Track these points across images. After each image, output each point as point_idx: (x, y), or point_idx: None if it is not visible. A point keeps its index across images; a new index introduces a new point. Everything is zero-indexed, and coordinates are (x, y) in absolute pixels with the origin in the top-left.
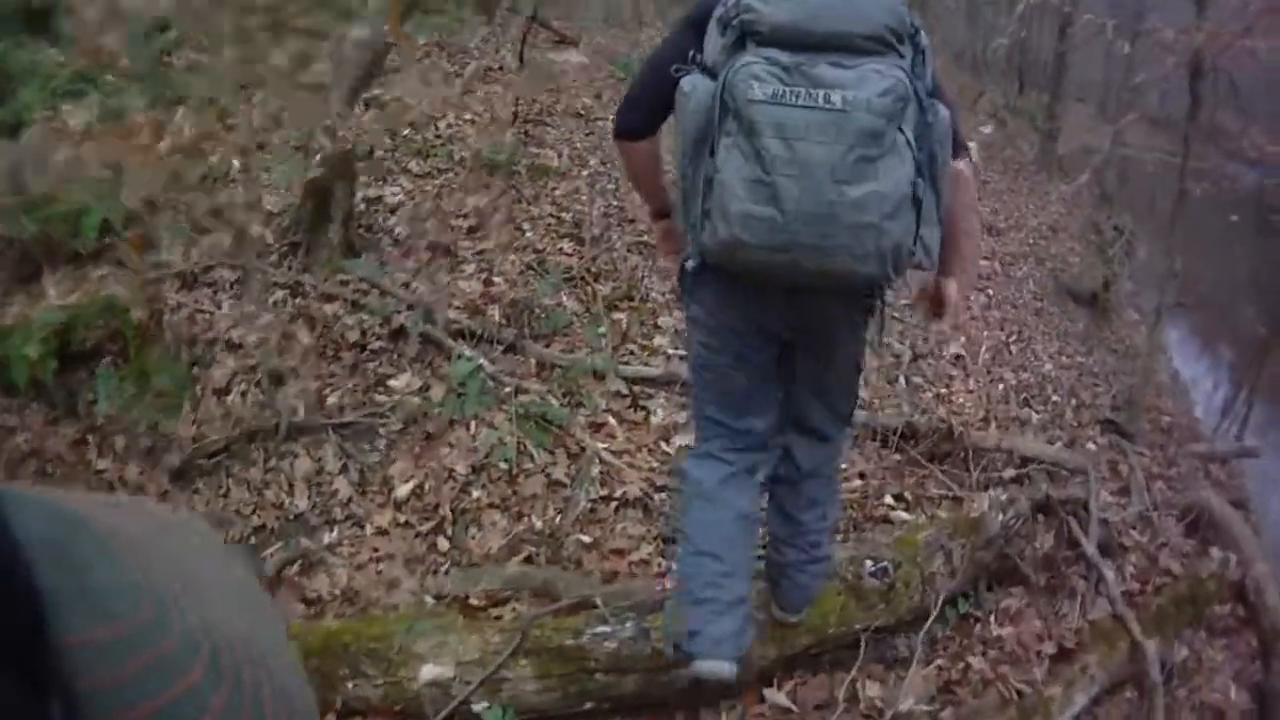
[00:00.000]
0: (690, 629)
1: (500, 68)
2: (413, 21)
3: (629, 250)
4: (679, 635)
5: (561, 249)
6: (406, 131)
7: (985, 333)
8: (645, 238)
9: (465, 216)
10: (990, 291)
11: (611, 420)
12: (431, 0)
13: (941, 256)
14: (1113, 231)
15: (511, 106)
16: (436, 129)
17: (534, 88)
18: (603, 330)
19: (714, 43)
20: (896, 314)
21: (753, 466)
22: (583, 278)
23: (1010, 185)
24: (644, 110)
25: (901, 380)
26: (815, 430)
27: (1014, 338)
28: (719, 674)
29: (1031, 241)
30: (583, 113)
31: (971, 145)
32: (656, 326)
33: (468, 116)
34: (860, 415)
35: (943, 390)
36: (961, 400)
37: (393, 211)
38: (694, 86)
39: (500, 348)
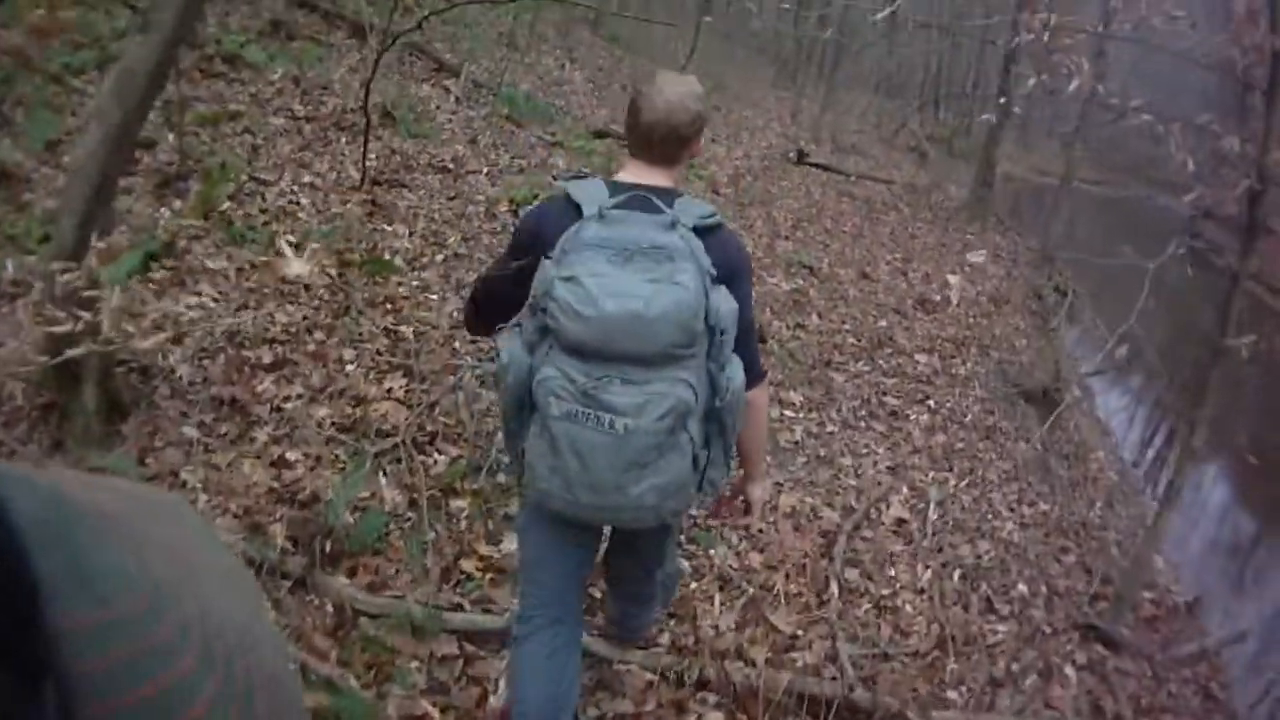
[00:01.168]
0: None
1: (358, 108)
2: (267, 50)
3: (482, 384)
4: None
5: (389, 392)
6: (226, 206)
7: (932, 474)
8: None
9: (271, 343)
10: (932, 403)
11: (430, 710)
12: (298, 25)
13: (742, 465)
14: (1054, 294)
15: (361, 163)
16: (264, 200)
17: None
18: (429, 539)
19: (537, 285)
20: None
21: (570, 621)
22: (412, 443)
23: (940, 240)
24: (484, 328)
25: (833, 586)
26: (631, 594)
27: (966, 481)
28: None
29: (972, 320)
30: (450, 166)
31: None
32: (507, 519)
33: (307, 179)
34: (782, 678)
35: (884, 594)
36: (910, 609)
37: (178, 340)
38: (511, 359)
39: (286, 584)
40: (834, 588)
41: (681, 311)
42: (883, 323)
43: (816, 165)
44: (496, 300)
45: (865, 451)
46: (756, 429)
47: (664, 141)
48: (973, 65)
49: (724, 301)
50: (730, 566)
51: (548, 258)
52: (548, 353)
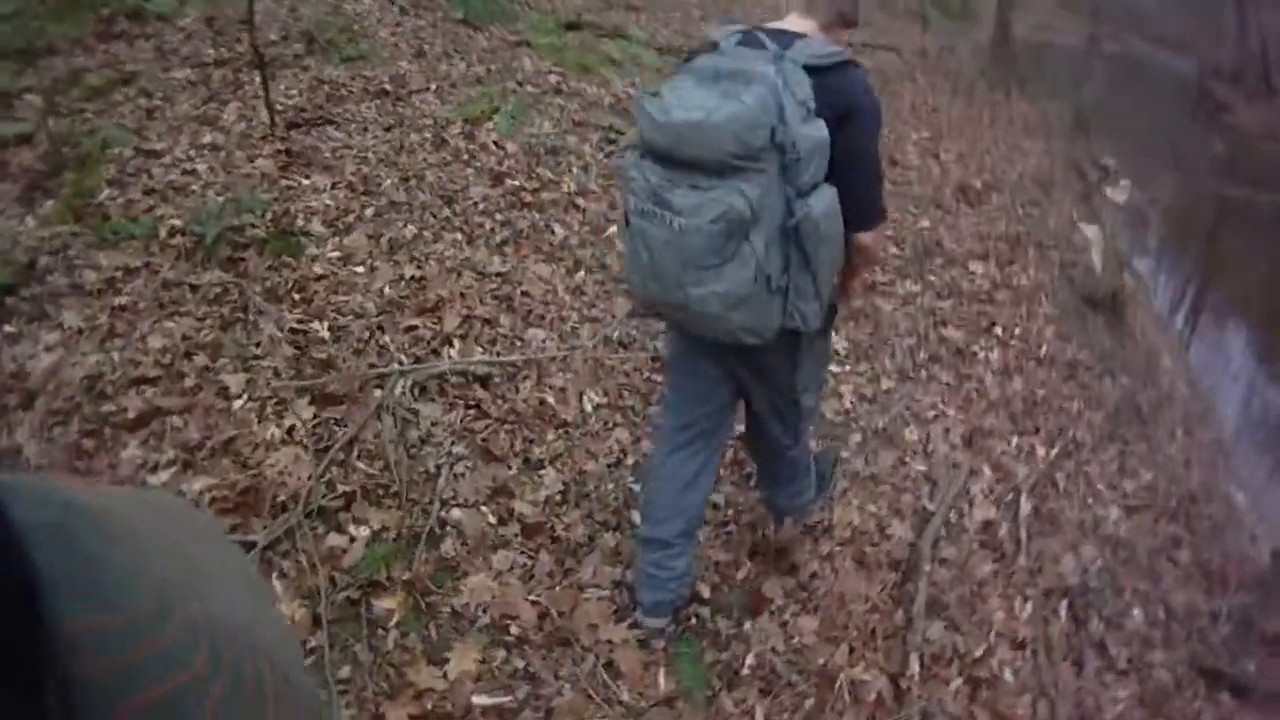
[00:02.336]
0: (637, 598)
1: (281, 39)
2: None
3: (419, 394)
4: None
5: (291, 432)
6: (105, 196)
7: (1015, 441)
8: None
9: (139, 385)
10: (1000, 329)
11: None
12: None
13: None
14: (1098, 170)
15: (265, 101)
16: (150, 177)
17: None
18: (339, 678)
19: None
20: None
21: (703, 447)
22: (317, 514)
23: (965, 113)
24: None
25: (913, 663)
26: (765, 468)
27: (1057, 450)
28: (655, 628)
29: (1022, 211)
30: (389, 88)
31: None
32: (455, 615)
33: (208, 138)
34: None
35: (977, 656)
36: (1010, 676)
37: (28, 404)
38: (625, 164)
39: None
40: (914, 665)
41: (736, 124)
42: (924, 222)
43: None
44: None
45: (933, 415)
46: (859, 267)
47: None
48: None
49: (812, 129)
50: (774, 650)
51: None
52: (641, 160)
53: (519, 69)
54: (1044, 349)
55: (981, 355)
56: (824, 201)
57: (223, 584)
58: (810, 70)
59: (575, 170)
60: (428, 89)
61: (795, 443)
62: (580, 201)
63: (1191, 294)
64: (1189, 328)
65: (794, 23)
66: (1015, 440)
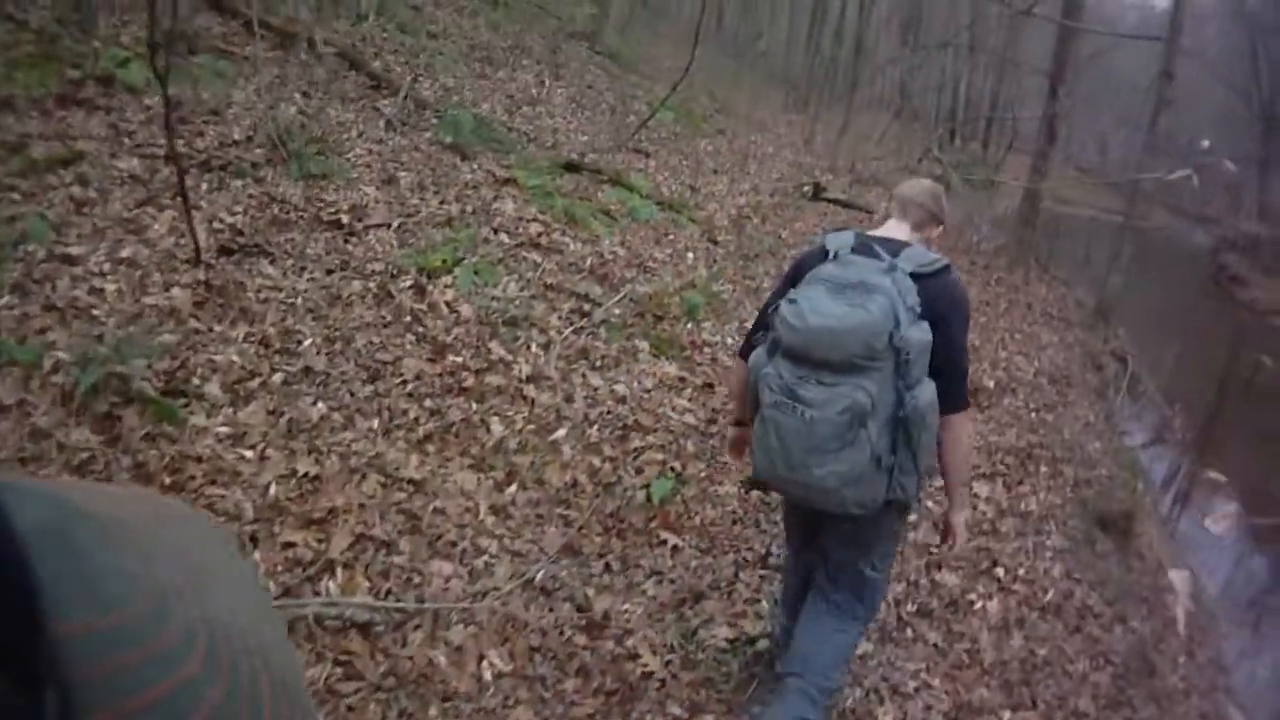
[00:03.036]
0: None
1: (247, 139)
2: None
3: (319, 703)
4: None
5: None
6: (3, 302)
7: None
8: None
9: None
10: (1001, 572)
11: None
12: (209, 36)
13: (946, 491)
14: (1115, 363)
15: (188, 225)
16: (53, 290)
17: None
18: None
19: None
20: None
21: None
22: None
23: (981, 296)
24: (748, 344)
25: None
26: (812, 608)
27: None
28: None
29: (1035, 414)
30: (345, 219)
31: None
32: None
33: (127, 251)
34: None
35: None
36: None
37: None
38: (755, 361)
39: None
40: None
41: (863, 330)
42: None
43: (835, 201)
44: (761, 323)
45: (914, 687)
46: (955, 454)
47: (905, 204)
48: (990, 87)
49: (918, 332)
50: None
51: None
52: (772, 357)
53: (498, 212)
54: (1050, 594)
55: (979, 605)
56: (927, 393)
57: (222, 586)
58: (915, 277)
59: (534, 348)
60: (388, 225)
61: (854, 613)
62: (530, 391)
63: (1188, 482)
64: (1186, 516)
65: (894, 229)
66: (1008, 717)
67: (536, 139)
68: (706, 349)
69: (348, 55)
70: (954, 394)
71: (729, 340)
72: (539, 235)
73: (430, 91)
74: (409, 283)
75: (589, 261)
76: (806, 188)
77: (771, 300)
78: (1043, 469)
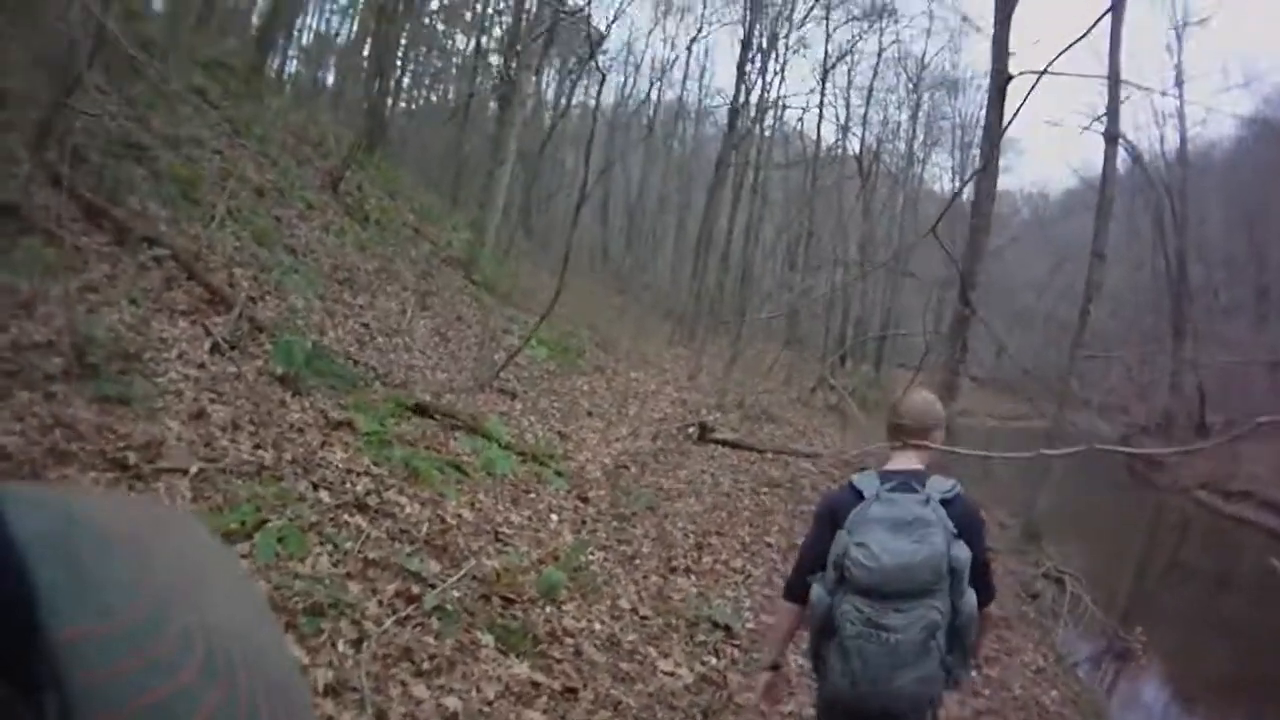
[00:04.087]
0: None
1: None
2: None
3: None
4: None
5: None
6: None
7: None
8: None
9: None
10: None
11: None
12: (42, 215)
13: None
14: (1051, 585)
15: None
16: None
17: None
18: None
19: (834, 548)
20: None
21: None
22: None
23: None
24: (798, 586)
25: None
26: None
27: None
28: None
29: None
30: (135, 460)
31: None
32: None
33: None
34: None
35: None
36: None
37: None
38: (818, 599)
39: None
40: None
41: (933, 561)
42: None
43: (724, 442)
44: (808, 566)
45: None
46: (983, 636)
47: (910, 429)
48: (882, 304)
49: (961, 551)
50: None
51: (841, 528)
52: (844, 593)
53: (323, 463)
54: None
55: None
56: (971, 600)
57: (219, 592)
58: (943, 502)
59: (341, 645)
60: (184, 471)
61: None
62: (328, 707)
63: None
64: None
65: (906, 459)
66: None
67: (387, 375)
68: (569, 640)
69: (186, 262)
70: (986, 591)
71: (598, 626)
72: (367, 494)
73: (274, 312)
74: None
75: (426, 529)
76: (692, 429)
77: (813, 545)
78: None
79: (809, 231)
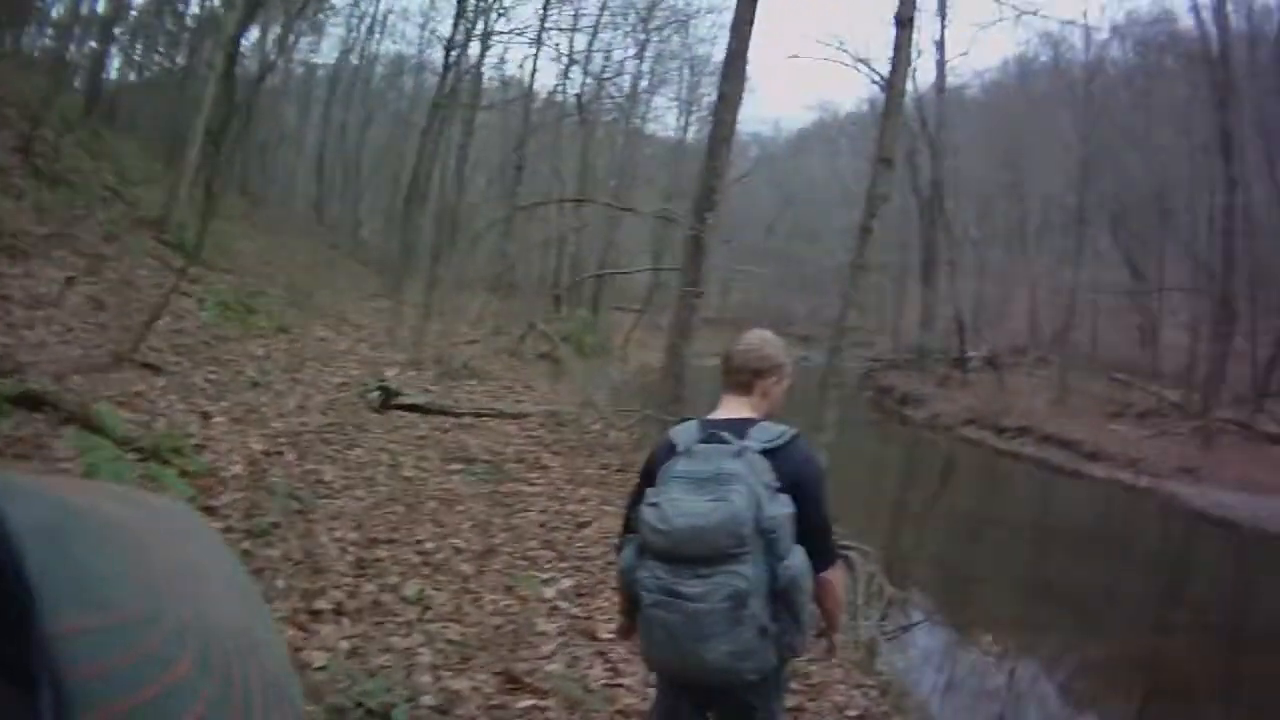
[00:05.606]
0: None
1: None
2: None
3: None
4: None
5: None
6: None
7: None
8: None
9: None
10: None
11: None
12: None
13: (825, 619)
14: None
15: None
16: None
17: None
18: None
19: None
20: None
21: None
22: None
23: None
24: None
25: None
26: None
27: None
28: None
29: None
30: None
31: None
32: None
33: None
34: None
35: None
36: None
37: None
38: (626, 563)
39: None
40: None
41: (730, 524)
42: None
43: (411, 408)
44: (632, 528)
45: None
46: (830, 602)
47: (737, 371)
48: (600, 244)
49: (778, 508)
50: None
51: (651, 487)
52: (642, 558)
53: None
54: None
55: None
56: (798, 560)
57: (215, 586)
58: (766, 453)
59: None
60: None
61: None
62: None
63: None
64: None
65: (730, 406)
66: None
67: (3, 358)
68: None
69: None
70: (823, 552)
71: None
72: None
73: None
74: None
75: None
76: (374, 394)
77: (632, 504)
78: None
79: (518, 166)
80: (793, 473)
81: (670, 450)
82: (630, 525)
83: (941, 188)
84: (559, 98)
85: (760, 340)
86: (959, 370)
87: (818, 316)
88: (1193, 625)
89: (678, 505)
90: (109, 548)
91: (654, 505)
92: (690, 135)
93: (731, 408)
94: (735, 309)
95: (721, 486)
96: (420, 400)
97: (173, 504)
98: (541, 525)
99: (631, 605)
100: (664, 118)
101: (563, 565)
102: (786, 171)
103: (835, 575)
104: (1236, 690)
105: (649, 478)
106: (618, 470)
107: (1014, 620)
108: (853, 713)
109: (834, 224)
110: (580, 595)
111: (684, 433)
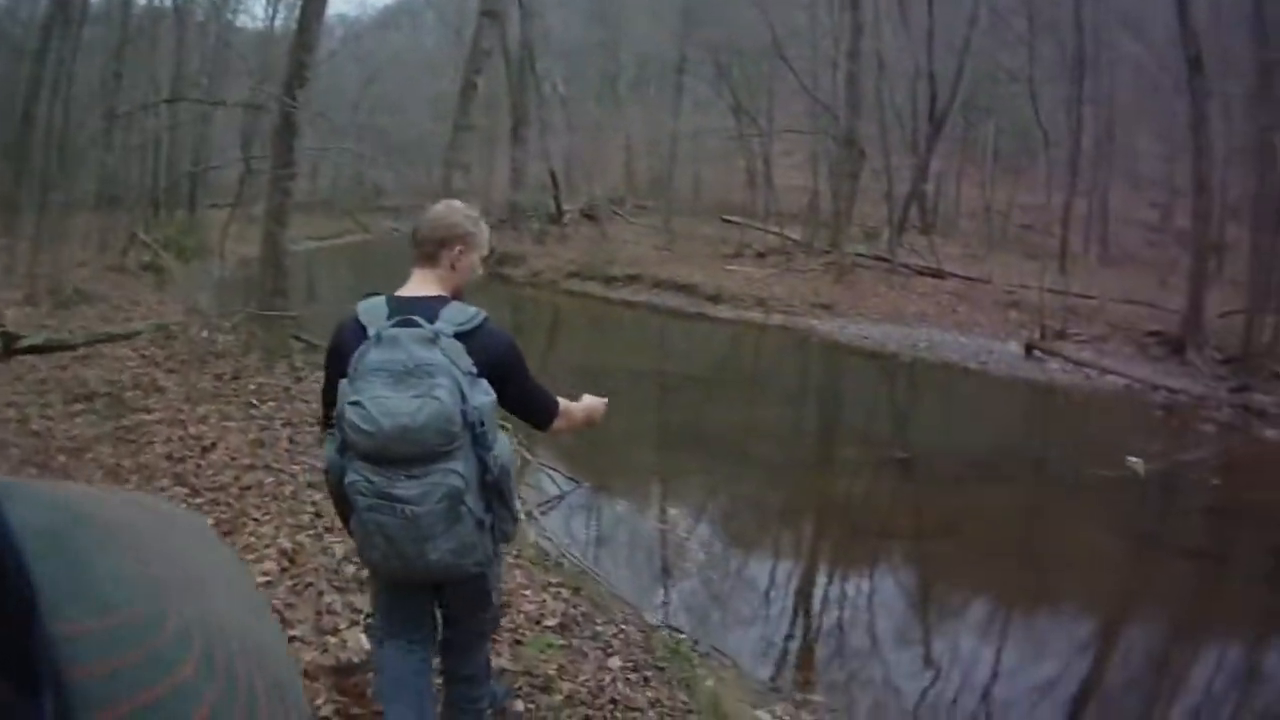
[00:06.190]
0: None
1: None
2: None
3: None
4: None
5: None
6: None
7: None
8: None
9: None
10: None
11: None
12: None
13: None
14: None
15: None
16: None
17: None
18: None
19: (339, 402)
20: None
21: (420, 643)
22: None
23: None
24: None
25: None
26: (459, 668)
27: None
28: None
29: None
30: None
31: None
32: None
33: None
34: None
35: None
36: None
37: None
38: (330, 463)
39: None
40: None
41: (439, 422)
42: None
43: (33, 350)
44: (332, 404)
45: None
46: (576, 424)
47: (423, 242)
48: (191, 141)
49: (482, 396)
50: None
51: (344, 377)
52: (350, 460)
53: None
54: None
55: None
56: (505, 448)
57: (218, 588)
58: (459, 336)
59: None
60: None
61: (485, 638)
62: None
63: None
64: None
65: (419, 282)
66: None
67: None
68: None
69: None
70: (542, 411)
71: None
72: None
73: None
74: None
75: None
76: None
77: (326, 391)
78: None
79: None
80: (489, 355)
81: (359, 333)
82: (330, 421)
83: (532, 47)
84: (157, 2)
85: (446, 209)
86: (556, 225)
87: (408, 185)
88: (852, 456)
89: (382, 404)
90: (114, 551)
91: (356, 404)
92: (278, 23)
93: (420, 281)
94: (326, 191)
95: (424, 381)
96: (39, 340)
97: (182, 511)
98: (168, 458)
99: (345, 507)
100: (253, 8)
101: (198, 501)
102: (374, 46)
103: (562, 409)
104: (899, 513)
105: (338, 363)
106: (232, 379)
107: (680, 469)
108: (552, 621)
109: (420, 94)
110: (224, 535)
111: (371, 311)
